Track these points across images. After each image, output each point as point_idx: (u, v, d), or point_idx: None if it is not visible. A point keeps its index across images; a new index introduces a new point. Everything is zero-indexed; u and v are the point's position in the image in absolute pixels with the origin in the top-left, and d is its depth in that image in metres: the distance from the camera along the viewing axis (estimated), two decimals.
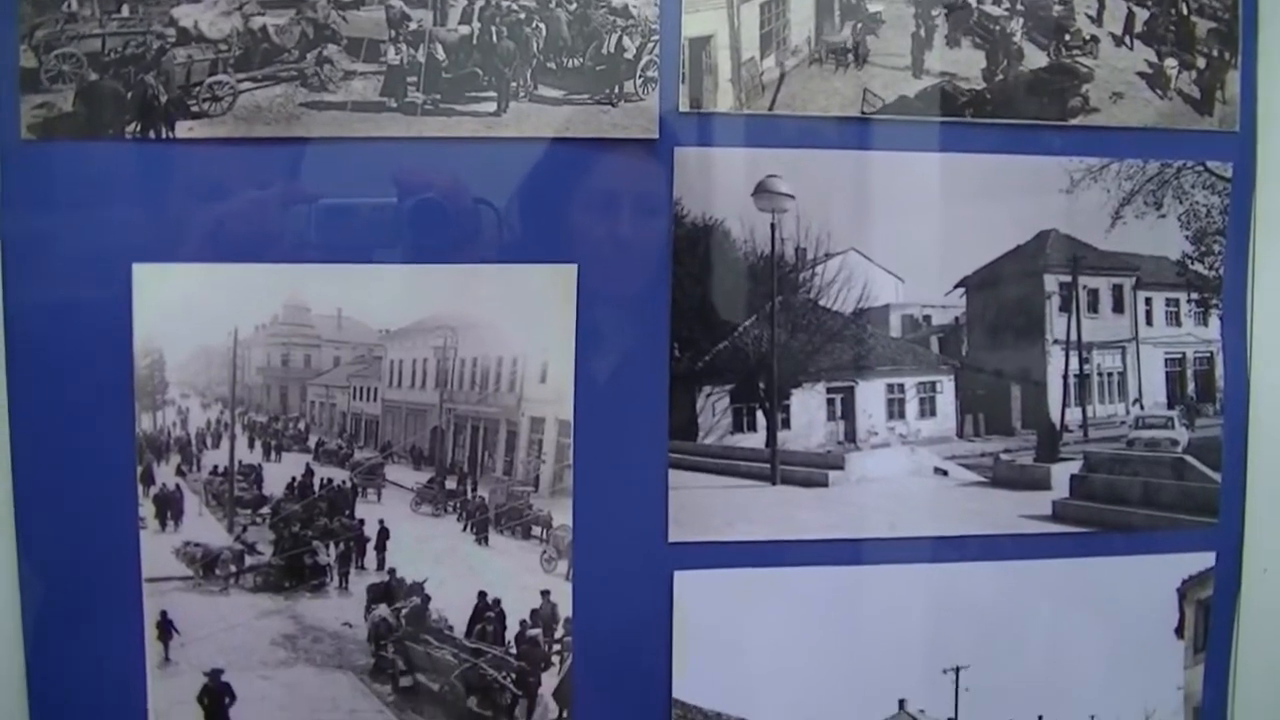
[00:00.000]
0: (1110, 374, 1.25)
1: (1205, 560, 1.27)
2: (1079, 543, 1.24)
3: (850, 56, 1.16)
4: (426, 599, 1.17)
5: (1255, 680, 1.30)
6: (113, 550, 1.13)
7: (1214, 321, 1.26)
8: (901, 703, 1.24)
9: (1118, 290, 1.25)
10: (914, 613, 1.23)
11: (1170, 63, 1.21)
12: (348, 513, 1.17)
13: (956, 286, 1.21)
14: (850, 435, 1.22)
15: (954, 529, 1.22)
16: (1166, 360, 1.26)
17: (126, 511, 1.13)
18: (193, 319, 1.11)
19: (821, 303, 1.19)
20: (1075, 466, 1.24)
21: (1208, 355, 1.26)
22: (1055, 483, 1.24)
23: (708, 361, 1.17)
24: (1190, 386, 1.26)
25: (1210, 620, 1.27)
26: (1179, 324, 1.26)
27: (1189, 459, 1.25)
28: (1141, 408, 1.26)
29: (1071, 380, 1.24)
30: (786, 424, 1.20)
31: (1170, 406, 1.26)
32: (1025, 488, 1.23)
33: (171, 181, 1.10)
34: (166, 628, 1.14)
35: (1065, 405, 1.24)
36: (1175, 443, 1.25)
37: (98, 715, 1.14)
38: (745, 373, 1.19)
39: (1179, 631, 1.27)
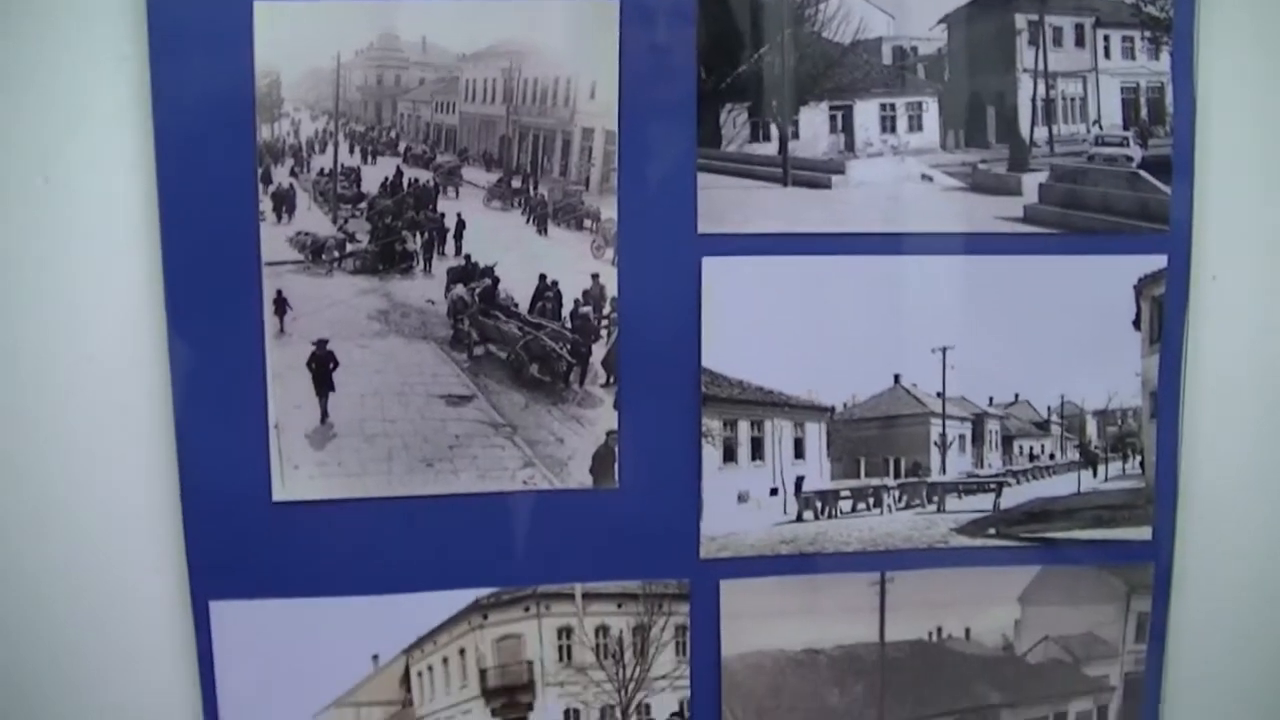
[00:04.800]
0: (1073, 99, 1.43)
1: (1158, 262, 1.44)
2: (1047, 242, 1.43)
3: None
4: (496, 280, 1.37)
5: (1205, 370, 1.47)
6: (238, 239, 1.30)
7: (1165, 56, 1.43)
8: (896, 377, 1.43)
9: (1079, 28, 1.42)
10: (905, 298, 1.41)
11: None
12: (431, 207, 1.37)
13: (939, 22, 1.40)
14: (849, 146, 1.41)
15: (939, 227, 1.41)
16: (1122, 89, 1.43)
17: (249, 206, 1.30)
18: (303, 46, 1.30)
19: (824, 34, 1.38)
20: (1043, 176, 1.42)
21: (1159, 85, 1.43)
22: (1025, 190, 1.41)
23: (729, 83, 1.37)
24: (1144, 111, 1.43)
25: (1164, 315, 1.45)
26: (1134, 58, 1.43)
27: (1142, 173, 1.42)
28: (1100, 128, 1.43)
29: (1039, 103, 1.42)
30: (795, 135, 1.39)
31: (1126, 128, 1.43)
32: (1000, 193, 1.41)
33: None
34: (281, 304, 1.32)
35: (1034, 124, 1.42)
36: (1130, 159, 1.43)
37: (226, 380, 1.32)
38: (761, 92, 1.38)
39: (1136, 324, 1.45)
